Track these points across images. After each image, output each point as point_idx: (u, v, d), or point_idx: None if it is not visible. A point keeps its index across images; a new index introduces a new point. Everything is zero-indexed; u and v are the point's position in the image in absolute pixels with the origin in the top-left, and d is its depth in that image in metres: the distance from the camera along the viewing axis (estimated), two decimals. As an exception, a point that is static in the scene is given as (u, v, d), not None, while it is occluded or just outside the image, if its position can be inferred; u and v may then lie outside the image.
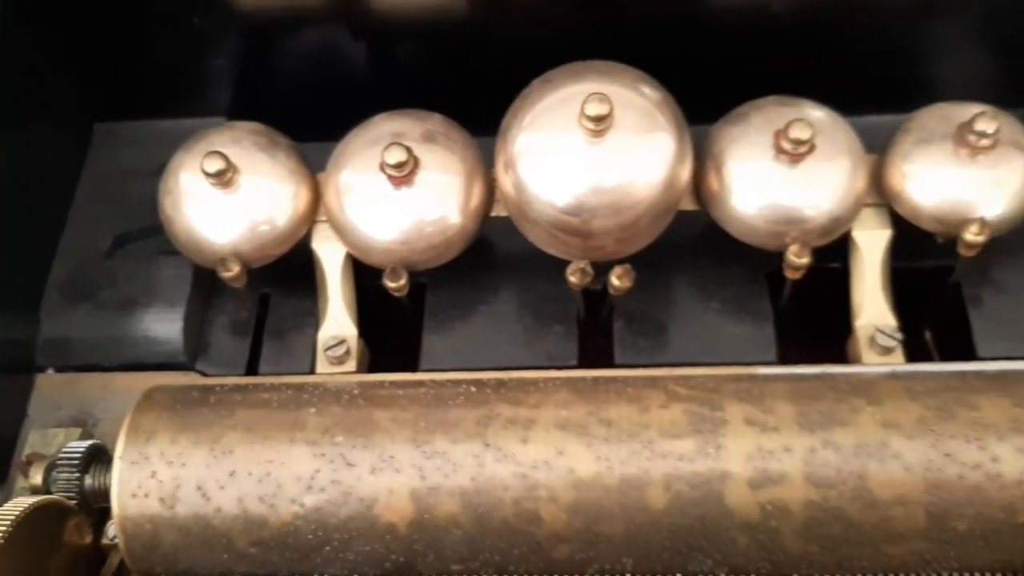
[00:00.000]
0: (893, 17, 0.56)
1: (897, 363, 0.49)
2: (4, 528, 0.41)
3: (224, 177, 0.50)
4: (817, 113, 0.51)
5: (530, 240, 0.52)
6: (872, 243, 0.52)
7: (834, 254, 0.52)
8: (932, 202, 0.50)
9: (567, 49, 0.51)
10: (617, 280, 0.49)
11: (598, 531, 0.41)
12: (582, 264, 0.48)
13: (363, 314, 0.53)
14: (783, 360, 0.52)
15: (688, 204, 0.53)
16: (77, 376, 0.53)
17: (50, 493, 0.46)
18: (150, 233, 0.56)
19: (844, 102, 0.52)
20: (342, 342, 0.51)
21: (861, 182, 0.51)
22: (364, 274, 0.53)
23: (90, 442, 0.47)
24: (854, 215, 0.51)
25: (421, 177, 0.50)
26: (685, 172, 0.50)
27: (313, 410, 0.43)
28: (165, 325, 0.54)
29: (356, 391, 0.45)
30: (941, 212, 0.50)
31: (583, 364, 0.52)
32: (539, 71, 0.51)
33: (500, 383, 0.45)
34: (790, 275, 0.51)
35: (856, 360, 0.50)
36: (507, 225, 0.52)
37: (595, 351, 0.54)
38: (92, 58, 0.59)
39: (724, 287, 0.54)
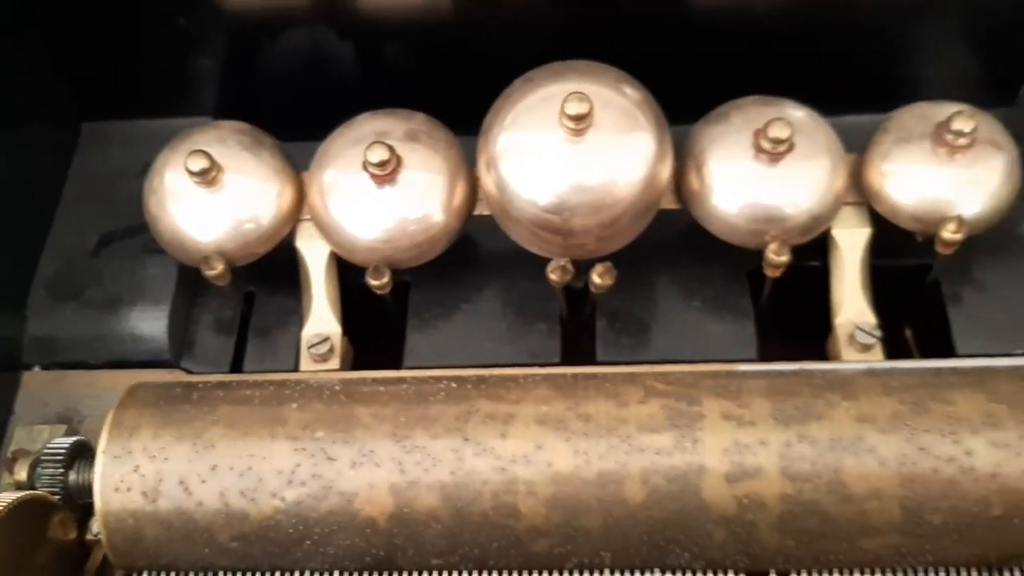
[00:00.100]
0: (874, 18, 0.57)
1: (876, 360, 0.49)
2: (-11, 523, 0.42)
3: (208, 176, 0.50)
4: (797, 113, 0.51)
5: (512, 238, 0.52)
6: (852, 241, 0.52)
7: (814, 252, 0.53)
8: (911, 201, 0.51)
9: (550, 49, 0.52)
10: (598, 278, 0.50)
11: (576, 525, 0.41)
12: (562, 262, 0.49)
13: (348, 312, 0.54)
14: (764, 358, 0.53)
15: (670, 203, 0.53)
16: (63, 374, 0.54)
17: (35, 489, 0.47)
18: (136, 232, 0.56)
19: (826, 102, 0.52)
20: (325, 340, 0.52)
21: (840, 181, 0.51)
22: (348, 272, 0.54)
23: (74, 438, 0.48)
24: (834, 214, 0.52)
25: (404, 176, 0.51)
26: (665, 171, 0.50)
27: (295, 406, 0.44)
28: (150, 323, 0.54)
29: (338, 387, 0.45)
30: (920, 211, 0.51)
31: (566, 362, 0.53)
32: (522, 71, 0.51)
33: (481, 379, 0.45)
34: (770, 273, 0.51)
35: (836, 357, 0.51)
36: (491, 223, 0.53)
37: (578, 349, 0.54)
38: (81, 59, 0.59)
39: (705, 285, 0.55)
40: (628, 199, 0.49)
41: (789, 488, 0.41)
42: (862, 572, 0.42)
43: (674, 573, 0.42)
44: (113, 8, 0.56)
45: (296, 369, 0.52)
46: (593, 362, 0.53)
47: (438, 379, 0.45)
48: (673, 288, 0.55)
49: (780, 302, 0.54)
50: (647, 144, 0.49)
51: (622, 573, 0.42)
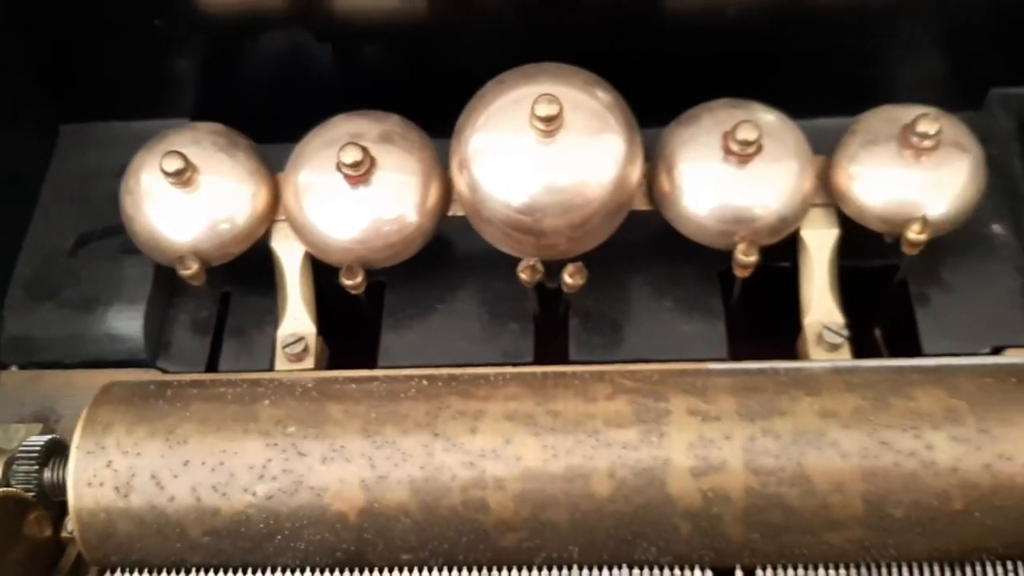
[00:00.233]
0: (844, 22, 0.58)
1: (843, 359, 0.50)
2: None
3: (183, 176, 0.50)
4: (766, 115, 0.52)
5: (486, 239, 0.53)
6: (820, 242, 0.53)
7: (784, 253, 0.54)
8: (877, 202, 0.51)
9: (523, 52, 0.53)
10: (569, 278, 0.50)
11: (544, 519, 0.42)
12: (532, 261, 0.50)
13: (324, 313, 0.54)
14: (735, 357, 0.53)
15: (641, 204, 0.54)
16: (40, 373, 0.54)
17: (9, 487, 0.47)
18: (113, 232, 0.56)
19: (796, 105, 0.53)
20: (300, 339, 0.52)
21: (808, 183, 0.52)
22: (324, 273, 0.54)
23: (49, 436, 0.48)
24: (802, 215, 0.52)
25: (378, 177, 0.51)
26: (635, 172, 0.51)
27: (267, 402, 0.44)
28: (126, 323, 0.54)
29: (310, 385, 0.46)
30: (886, 212, 0.51)
31: (539, 361, 0.53)
32: (496, 74, 0.52)
33: (452, 377, 0.46)
34: (739, 273, 0.52)
35: (805, 357, 0.51)
36: (465, 224, 0.53)
37: (551, 349, 0.55)
38: (59, 61, 0.60)
39: (677, 286, 0.55)
40: (599, 200, 0.50)
41: (753, 482, 0.41)
42: (827, 567, 0.43)
43: (641, 568, 0.43)
44: (91, 10, 0.57)
45: (271, 369, 0.53)
46: (566, 361, 0.53)
47: (409, 377, 0.46)
48: (645, 288, 0.55)
49: (751, 302, 0.55)
50: (617, 146, 0.50)
51: (590, 569, 0.43)
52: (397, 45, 0.59)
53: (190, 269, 0.51)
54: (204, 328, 0.56)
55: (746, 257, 0.51)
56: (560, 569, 0.43)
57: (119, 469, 0.43)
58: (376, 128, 0.52)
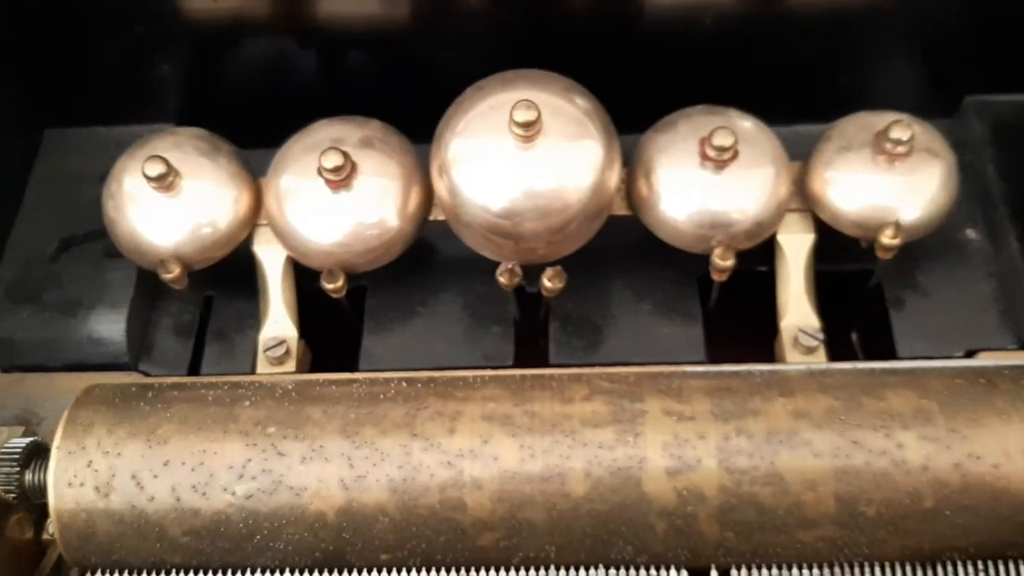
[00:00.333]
0: (822, 30, 0.59)
1: (818, 362, 0.51)
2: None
3: (165, 181, 0.51)
4: (742, 121, 0.53)
5: (466, 243, 0.53)
6: (796, 247, 0.54)
7: (761, 257, 0.54)
8: (852, 207, 0.52)
9: (504, 59, 0.53)
10: (549, 282, 0.51)
11: (521, 518, 0.42)
12: (510, 265, 0.50)
13: (306, 317, 0.55)
14: (713, 360, 0.54)
15: (620, 209, 0.54)
16: (22, 376, 0.54)
17: (-10, 489, 0.47)
18: (95, 236, 0.57)
19: (774, 112, 0.54)
20: (282, 343, 0.53)
21: (784, 188, 0.53)
22: (307, 277, 0.55)
23: (31, 439, 0.48)
24: (778, 220, 0.53)
25: (359, 182, 0.52)
26: (613, 178, 0.52)
27: (247, 403, 0.45)
28: (108, 326, 0.55)
29: (290, 387, 0.46)
30: (861, 217, 0.52)
31: (519, 364, 0.54)
32: (477, 80, 0.53)
33: (431, 379, 0.46)
34: (716, 277, 0.52)
35: (781, 359, 0.52)
36: (447, 229, 0.54)
37: (532, 351, 0.55)
38: (43, 66, 0.60)
39: (656, 290, 0.56)
40: (577, 205, 0.50)
41: (727, 480, 0.42)
42: (800, 567, 0.43)
43: (618, 569, 0.43)
44: (74, 16, 0.57)
45: (253, 372, 0.53)
46: (546, 364, 0.54)
47: (389, 380, 0.46)
48: (625, 292, 0.56)
49: (729, 306, 0.55)
50: (595, 151, 0.50)
51: (567, 569, 0.43)
52: (379, 51, 0.59)
53: (172, 273, 0.52)
54: (186, 332, 0.56)
55: (723, 261, 0.51)
56: (537, 570, 0.43)
57: (99, 469, 0.43)
58: (357, 133, 0.53)
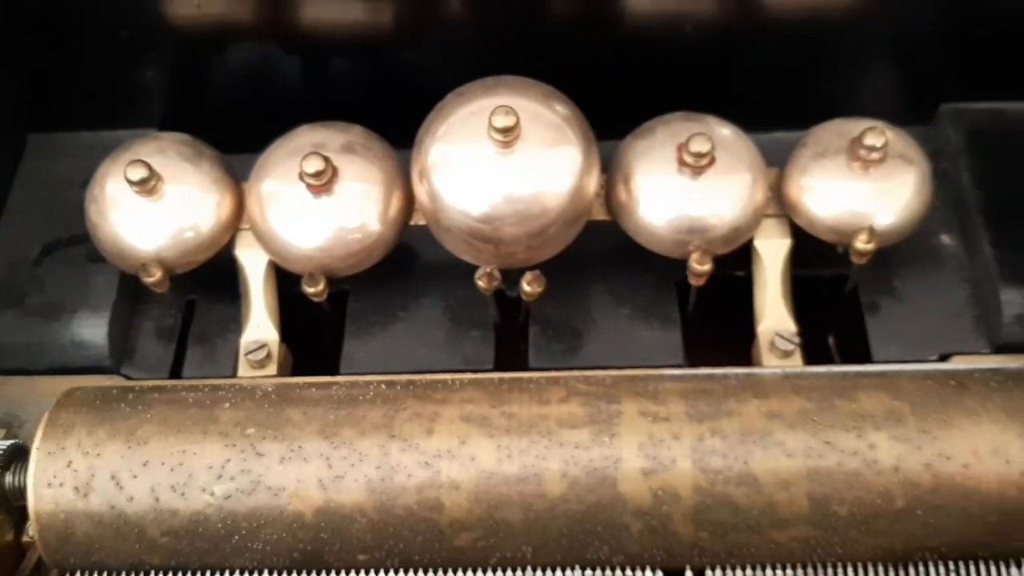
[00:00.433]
0: (799, 39, 0.59)
1: (794, 366, 0.51)
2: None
3: (147, 185, 0.51)
4: (720, 128, 0.54)
5: (447, 248, 0.54)
6: (773, 252, 0.54)
7: (739, 263, 0.55)
8: (827, 213, 0.53)
9: (486, 66, 0.54)
10: (528, 286, 0.52)
11: (498, 518, 0.43)
12: (489, 268, 0.51)
13: (288, 321, 0.55)
14: (692, 364, 0.55)
15: (600, 215, 0.55)
16: (3, 379, 0.54)
17: (-29, 491, 0.47)
18: (78, 240, 0.57)
19: (752, 118, 0.54)
20: (263, 346, 0.53)
21: (761, 194, 0.53)
22: (289, 281, 0.55)
23: (11, 441, 0.48)
24: (755, 225, 0.54)
25: (340, 186, 0.52)
26: (592, 183, 0.52)
27: (227, 405, 0.45)
28: (91, 330, 0.55)
29: (270, 389, 0.46)
30: (836, 223, 0.53)
31: (499, 367, 0.54)
32: (459, 86, 0.53)
33: (410, 382, 0.46)
34: (693, 282, 0.53)
35: (758, 363, 0.52)
36: (429, 233, 0.54)
37: (512, 355, 0.56)
38: (28, 71, 0.61)
39: (636, 294, 0.56)
40: (556, 210, 0.51)
41: (702, 480, 0.42)
42: (775, 568, 0.44)
43: (594, 569, 0.44)
44: (59, 22, 0.58)
45: (234, 375, 0.53)
46: (526, 368, 0.55)
47: (368, 383, 0.47)
48: (605, 297, 0.57)
49: (707, 310, 0.56)
50: (574, 157, 0.51)
51: (543, 570, 0.44)
52: (362, 58, 0.60)
53: (153, 276, 0.52)
54: (168, 335, 0.57)
55: (700, 266, 0.52)
56: (515, 570, 0.44)
57: (79, 470, 0.43)
58: (339, 138, 0.53)
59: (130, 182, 0.51)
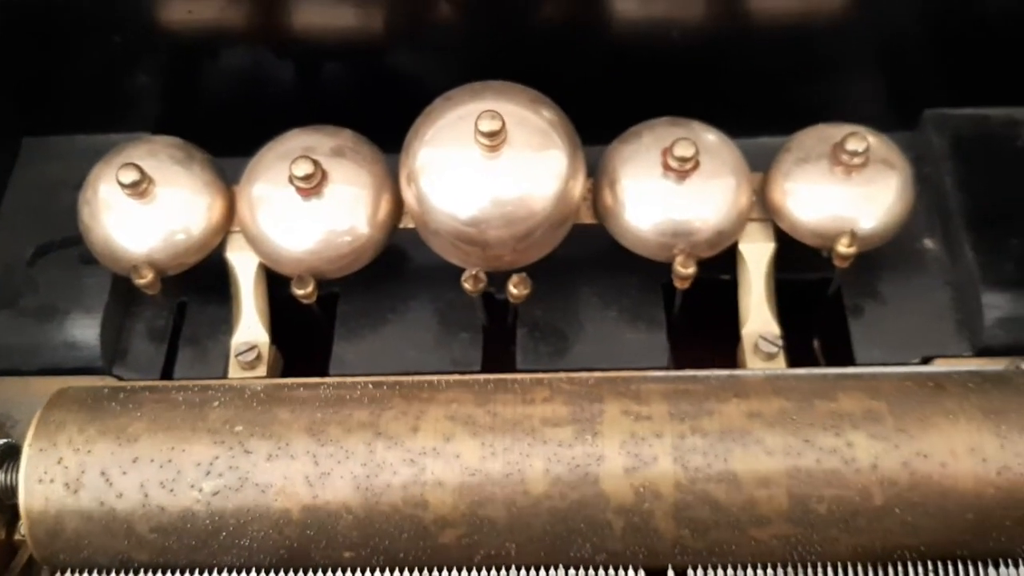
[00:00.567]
0: (784, 46, 0.60)
1: (777, 368, 0.52)
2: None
3: (139, 188, 0.52)
4: (704, 133, 0.54)
5: (435, 250, 0.55)
6: (757, 256, 0.55)
7: (725, 266, 0.56)
8: (810, 217, 0.54)
9: (474, 71, 0.55)
10: (514, 288, 0.52)
11: (482, 515, 0.43)
12: (475, 271, 0.51)
13: (278, 323, 0.56)
14: (678, 365, 0.56)
15: (587, 218, 0.56)
16: (-3, 379, 0.55)
17: (-37, 490, 0.48)
18: (71, 243, 0.58)
19: (738, 124, 0.55)
20: (253, 347, 0.53)
21: (745, 198, 0.54)
22: (279, 284, 0.56)
23: (3, 440, 0.49)
24: (739, 229, 0.54)
25: (330, 190, 0.53)
26: (577, 187, 0.53)
27: (216, 404, 0.46)
28: (83, 331, 0.56)
29: (259, 389, 0.47)
30: (819, 227, 0.53)
31: (487, 369, 0.55)
32: (448, 91, 0.54)
33: (397, 383, 0.47)
34: (678, 284, 0.54)
35: (743, 366, 0.53)
36: (418, 236, 0.55)
37: (499, 357, 0.56)
38: (22, 75, 0.61)
39: (622, 296, 0.57)
40: (542, 213, 0.52)
41: (682, 477, 0.43)
42: (755, 567, 0.44)
43: (577, 569, 0.44)
44: (53, 27, 0.59)
45: (225, 376, 0.54)
46: (513, 370, 0.55)
47: (356, 383, 0.47)
48: (592, 299, 0.57)
49: (693, 313, 0.57)
50: (560, 161, 0.52)
51: (527, 569, 0.44)
52: (353, 63, 0.61)
53: (145, 278, 0.53)
54: (160, 337, 0.57)
55: (684, 269, 0.53)
56: (499, 569, 0.44)
57: (69, 466, 0.44)
58: (329, 142, 0.54)
59: (122, 185, 0.52)
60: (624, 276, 0.57)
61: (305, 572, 0.45)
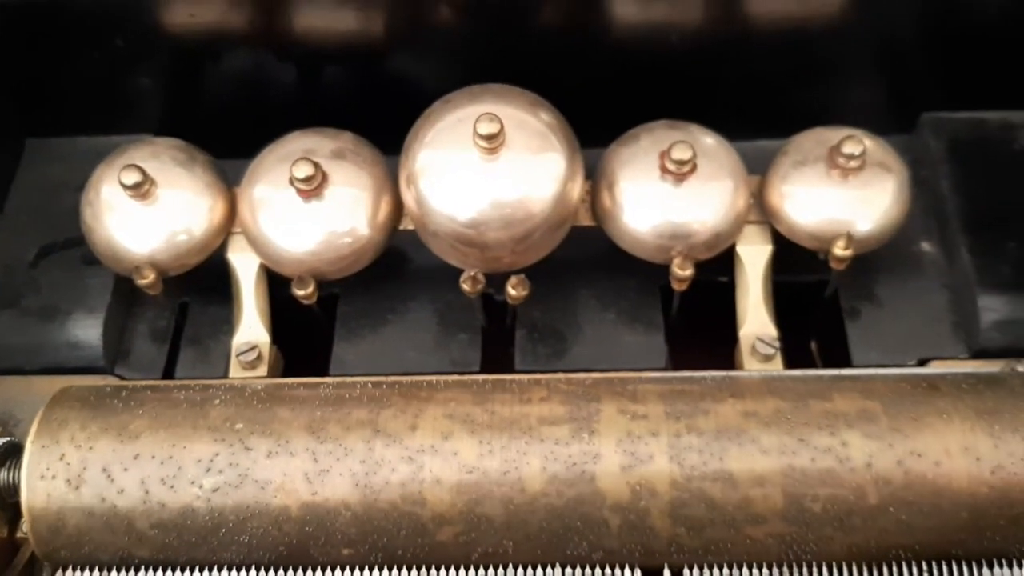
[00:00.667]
0: (782, 49, 0.61)
1: (773, 370, 0.52)
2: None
3: (141, 189, 0.52)
4: (702, 136, 0.55)
5: (434, 252, 0.55)
6: (754, 258, 0.55)
7: (722, 268, 0.56)
8: (807, 220, 0.54)
9: (474, 74, 0.55)
10: (513, 289, 0.53)
11: (480, 512, 0.43)
12: (473, 272, 0.52)
13: (279, 323, 0.56)
14: (675, 367, 0.56)
15: (585, 220, 0.56)
16: (0, 379, 0.55)
17: (-35, 488, 0.48)
18: (74, 244, 0.58)
19: (736, 127, 0.56)
20: (254, 347, 0.54)
21: (742, 201, 0.54)
22: (280, 284, 0.56)
23: (5, 439, 0.49)
24: (736, 231, 0.55)
25: (330, 191, 0.53)
26: (576, 189, 0.53)
27: (217, 402, 0.46)
28: (85, 331, 0.56)
29: (260, 388, 0.47)
30: (816, 229, 0.54)
31: (486, 370, 0.56)
32: (447, 94, 0.54)
33: (396, 382, 0.47)
34: (676, 286, 0.54)
35: (740, 367, 0.53)
36: (418, 238, 0.55)
37: (498, 358, 0.57)
38: (25, 77, 0.62)
39: (621, 298, 0.58)
40: (540, 215, 0.52)
41: (678, 475, 0.43)
42: (751, 567, 0.44)
43: (574, 568, 0.44)
44: (56, 29, 0.59)
45: (226, 376, 0.54)
46: (512, 370, 0.56)
47: (355, 382, 0.48)
48: (590, 301, 0.58)
49: (690, 315, 0.57)
50: (558, 163, 0.52)
51: (524, 568, 0.44)
52: (354, 65, 0.61)
53: (147, 279, 0.53)
54: (162, 337, 0.58)
55: (682, 271, 0.53)
56: (496, 567, 0.44)
57: (71, 463, 0.44)
58: (329, 144, 0.54)
59: (124, 186, 0.52)
60: (622, 278, 0.58)
61: (304, 569, 0.45)
